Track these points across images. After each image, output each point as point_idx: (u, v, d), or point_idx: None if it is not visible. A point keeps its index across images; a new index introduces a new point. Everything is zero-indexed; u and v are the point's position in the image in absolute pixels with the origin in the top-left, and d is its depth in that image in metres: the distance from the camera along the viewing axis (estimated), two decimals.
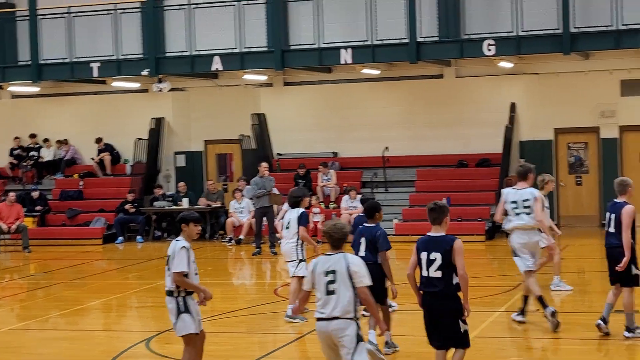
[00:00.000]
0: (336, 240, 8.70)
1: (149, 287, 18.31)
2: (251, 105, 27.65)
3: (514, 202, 13.04)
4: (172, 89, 27.16)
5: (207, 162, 28.75)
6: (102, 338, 13.95)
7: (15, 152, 29.05)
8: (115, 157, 28.39)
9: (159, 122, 28.16)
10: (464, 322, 9.27)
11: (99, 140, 28.10)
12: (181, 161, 28.61)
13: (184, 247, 9.68)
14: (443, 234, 9.39)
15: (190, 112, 28.59)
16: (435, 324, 9.30)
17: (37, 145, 29.10)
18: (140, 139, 28.07)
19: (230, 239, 24.81)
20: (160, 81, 25.90)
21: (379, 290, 10.97)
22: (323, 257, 8.72)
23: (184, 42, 25.75)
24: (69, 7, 26.50)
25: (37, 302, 17.63)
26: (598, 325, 12.05)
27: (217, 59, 25.11)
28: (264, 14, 25.32)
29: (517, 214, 13.02)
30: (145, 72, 25.55)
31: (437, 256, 9.18)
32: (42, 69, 26.46)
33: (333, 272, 8.55)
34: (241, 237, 24.57)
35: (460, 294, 9.23)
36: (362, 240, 11.58)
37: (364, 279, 8.56)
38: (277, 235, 19.91)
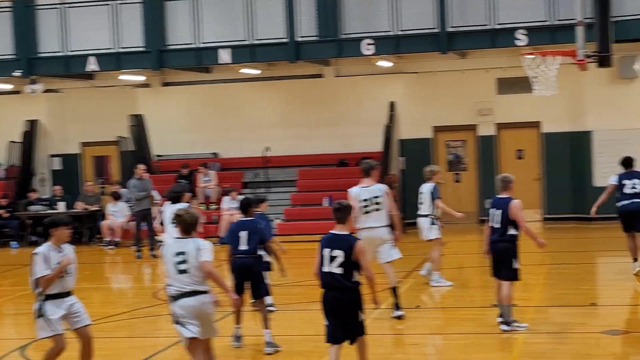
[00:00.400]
0: (188, 225, 9.48)
1: (25, 294, 17.75)
2: (129, 106, 27.21)
3: (366, 199, 13.34)
4: (46, 90, 26.57)
5: (84, 165, 28.19)
6: None
7: None
8: None
9: (32, 124, 27.47)
10: (362, 312, 9.73)
11: None
12: (57, 164, 27.98)
13: (35, 253, 9.98)
14: (347, 232, 9.76)
15: (65, 114, 27.99)
16: (337, 317, 9.63)
17: None
18: (13, 141, 27.33)
19: (109, 242, 24.36)
20: (33, 82, 25.29)
21: (258, 285, 11.68)
22: (173, 240, 9.61)
23: (58, 42, 25.15)
24: None
25: None
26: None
27: (92, 59, 24.63)
28: (141, 13, 24.91)
29: (367, 212, 13.10)
30: (17, 73, 24.88)
31: (339, 253, 9.57)
32: None
33: (183, 253, 9.38)
34: (116, 239, 24.18)
35: (360, 287, 9.71)
36: (243, 233, 11.82)
37: (206, 255, 9.40)
38: (157, 237, 19.64)
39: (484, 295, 15.32)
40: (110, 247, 24.19)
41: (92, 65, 24.69)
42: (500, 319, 12.20)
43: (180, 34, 24.65)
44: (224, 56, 23.97)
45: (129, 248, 23.21)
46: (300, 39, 23.84)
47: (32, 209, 25.70)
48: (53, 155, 27.94)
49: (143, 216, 22.15)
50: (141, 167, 22.47)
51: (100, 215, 25.29)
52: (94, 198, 25.79)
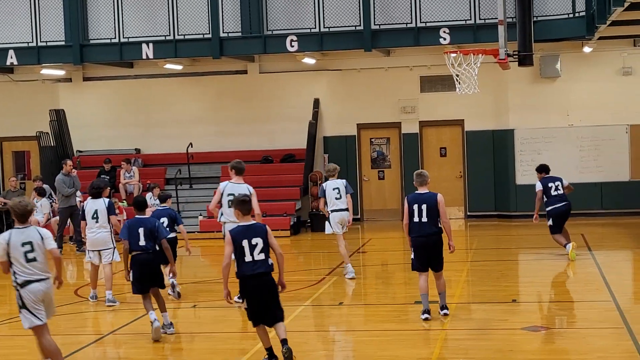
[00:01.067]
0: (21, 216, 9.98)
1: None
2: (49, 101, 26.80)
3: (231, 194, 14.15)
4: None
5: (2, 160, 27.67)
6: None
7: None
8: None
9: None
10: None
11: None
12: None
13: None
14: (253, 222, 10.49)
15: None
16: (262, 302, 10.30)
17: None
18: None
19: None
20: None
21: (156, 276, 12.57)
22: (15, 230, 9.96)
23: None
24: None
25: None
26: (426, 319, 12.46)
27: (11, 52, 24.21)
28: (62, 6, 24.50)
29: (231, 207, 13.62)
30: None
31: (258, 241, 10.22)
32: None
33: (30, 242, 9.86)
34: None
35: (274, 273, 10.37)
36: (140, 230, 12.54)
37: (52, 243, 10.09)
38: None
39: (406, 292, 15.41)
40: None
41: (11, 59, 24.26)
42: (442, 310, 12.60)
43: (102, 28, 24.34)
44: (147, 51, 23.74)
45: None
46: (224, 35, 23.71)
47: None
48: None
49: (70, 213, 21.84)
50: (69, 163, 22.17)
51: None
52: (17, 194, 25.30)
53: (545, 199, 17.69)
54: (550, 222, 17.67)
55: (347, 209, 16.47)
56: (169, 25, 23.92)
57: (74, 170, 22.21)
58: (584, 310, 13.62)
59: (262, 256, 10.21)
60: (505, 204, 25.35)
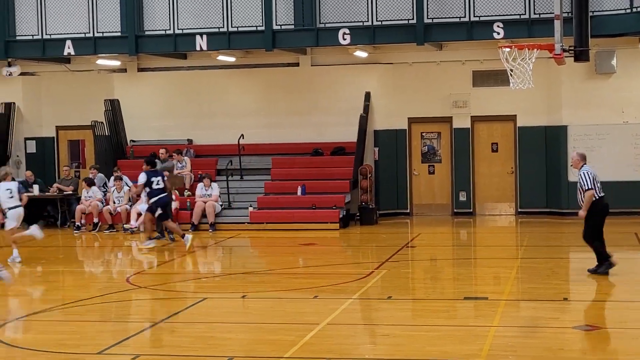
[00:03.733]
0: None
1: None
2: (104, 91, 27.08)
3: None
4: (22, 73, 26.44)
5: (58, 149, 28.02)
6: None
7: None
8: None
9: (8, 107, 27.30)
10: None
11: None
12: (32, 147, 27.81)
13: None
14: None
15: (41, 97, 27.83)
16: None
17: None
18: None
19: (79, 227, 24.22)
20: (9, 65, 25.13)
21: None
22: None
23: (36, 26, 25.00)
24: None
25: None
26: None
27: (69, 43, 24.52)
28: None
29: None
30: None
31: None
32: None
33: None
34: (136, 225, 23.78)
35: None
36: None
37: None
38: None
39: (455, 288, 15.39)
40: (77, 232, 24.06)
41: (68, 49, 24.56)
42: None
43: (157, 19, 24.55)
44: (201, 43, 23.91)
45: (105, 232, 23.34)
46: (277, 28, 23.79)
47: None
48: (28, 139, 27.78)
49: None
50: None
51: (75, 199, 25.14)
52: (71, 182, 25.69)
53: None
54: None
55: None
56: (223, 17, 24.06)
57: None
58: (636, 310, 13.51)
59: None
60: (557, 201, 25.17)
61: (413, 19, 23.05)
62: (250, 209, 24.34)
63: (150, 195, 20.55)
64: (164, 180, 20.69)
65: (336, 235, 22.86)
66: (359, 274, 16.68)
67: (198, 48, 24.08)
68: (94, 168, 25.33)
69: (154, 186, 20.38)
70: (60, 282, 17.37)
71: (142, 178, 20.56)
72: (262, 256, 20.82)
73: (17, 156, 27.70)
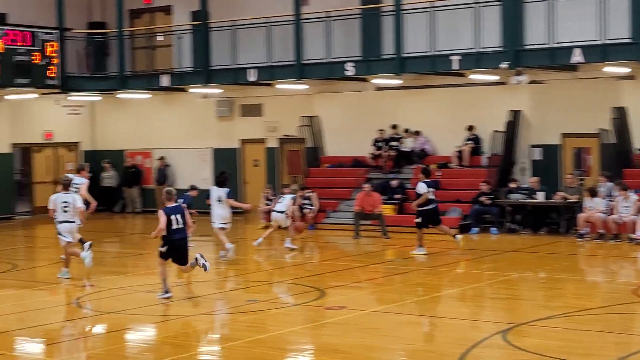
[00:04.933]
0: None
1: (503, 279, 18.49)
2: (611, 98, 26.92)
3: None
4: (530, 82, 27.08)
5: (562, 156, 28.35)
6: (456, 326, 14.21)
7: (378, 143, 30.25)
8: (477, 148, 28.79)
9: (515, 114, 28.18)
10: None
11: (470, 128, 28.71)
12: (537, 154, 28.43)
13: None
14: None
15: (547, 105, 28.30)
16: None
17: (398, 136, 30.12)
18: (496, 131, 28.26)
19: (582, 235, 24.31)
20: (518, 74, 25.87)
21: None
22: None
23: (544, 34, 25.53)
24: (432, 1, 27.12)
25: (395, 287, 18.35)
26: None
27: (577, 51, 24.70)
28: (628, 3, 24.50)
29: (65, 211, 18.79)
30: (504, 65, 25.62)
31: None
32: (405, 62, 27.27)
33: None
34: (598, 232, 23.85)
35: None
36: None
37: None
38: None
39: None
40: (581, 240, 24.13)
41: (576, 57, 24.76)
42: None
43: None
44: None
45: (610, 241, 23.35)
46: None
47: (511, 197, 26.47)
48: (533, 146, 28.42)
49: None
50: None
51: (578, 207, 25.29)
52: (574, 190, 25.87)
53: None
54: None
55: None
56: None
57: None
58: None
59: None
60: None
61: None
62: None
63: None
64: None
65: None
66: None
67: None
68: (604, 175, 25.37)
69: None
70: (562, 290, 17.61)
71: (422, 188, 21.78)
72: None
73: (523, 163, 28.45)
